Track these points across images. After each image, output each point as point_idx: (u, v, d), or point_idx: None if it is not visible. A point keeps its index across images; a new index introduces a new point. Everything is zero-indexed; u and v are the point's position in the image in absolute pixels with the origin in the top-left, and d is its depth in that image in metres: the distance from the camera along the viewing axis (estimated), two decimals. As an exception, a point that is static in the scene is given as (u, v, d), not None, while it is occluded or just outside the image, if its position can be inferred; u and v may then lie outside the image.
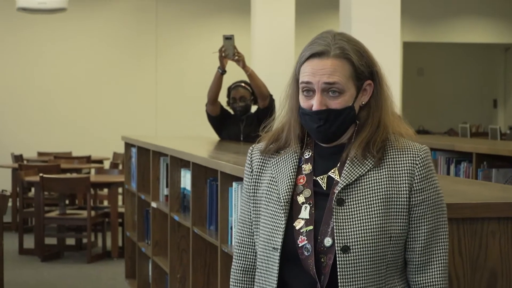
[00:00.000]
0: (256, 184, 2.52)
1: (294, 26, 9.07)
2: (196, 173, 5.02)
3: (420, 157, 2.37)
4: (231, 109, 6.97)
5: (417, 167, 2.36)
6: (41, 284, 8.03)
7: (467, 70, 17.92)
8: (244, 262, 2.57)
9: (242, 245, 2.57)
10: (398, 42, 6.78)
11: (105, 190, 10.72)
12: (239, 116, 6.91)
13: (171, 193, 5.64)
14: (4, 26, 13.61)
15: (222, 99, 6.97)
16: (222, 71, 6.69)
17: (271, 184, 2.46)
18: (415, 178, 2.35)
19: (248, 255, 2.55)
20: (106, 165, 11.99)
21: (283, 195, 2.40)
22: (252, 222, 2.51)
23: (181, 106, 14.00)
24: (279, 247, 2.36)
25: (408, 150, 2.38)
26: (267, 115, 6.83)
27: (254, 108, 7.01)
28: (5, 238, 9.00)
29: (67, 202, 10.29)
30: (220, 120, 6.96)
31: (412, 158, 2.36)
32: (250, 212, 2.52)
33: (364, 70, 2.35)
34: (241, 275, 2.57)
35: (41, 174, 8.93)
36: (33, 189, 9.84)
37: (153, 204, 6.21)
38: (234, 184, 4.20)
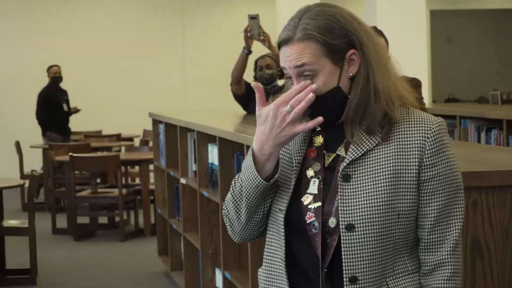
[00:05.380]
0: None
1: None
2: (223, 148, 5.02)
3: (432, 130, 2.23)
4: (258, 80, 6.94)
5: (428, 140, 2.23)
6: (74, 263, 8.09)
7: (496, 37, 17.74)
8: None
9: None
10: (423, 11, 6.71)
11: (136, 168, 10.76)
12: (266, 89, 6.89)
13: (199, 169, 5.64)
14: (35, 6, 13.68)
15: (248, 77, 6.96)
16: (247, 51, 6.66)
17: (286, 150, 2.35)
18: (426, 152, 2.23)
19: None
20: (136, 142, 12.03)
21: (295, 158, 2.30)
22: None
23: (209, 81, 14.01)
24: (284, 209, 2.28)
25: (420, 122, 2.25)
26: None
27: (280, 83, 6.99)
28: (38, 218, 9.12)
29: (98, 180, 10.35)
30: (246, 98, 6.96)
31: (423, 131, 2.23)
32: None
33: (337, 42, 2.21)
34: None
35: (71, 153, 8.97)
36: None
37: (182, 180, 6.22)
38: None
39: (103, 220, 9.98)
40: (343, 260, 2.21)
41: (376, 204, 2.20)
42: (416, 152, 2.23)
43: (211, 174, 5.54)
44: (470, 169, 2.90)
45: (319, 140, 2.33)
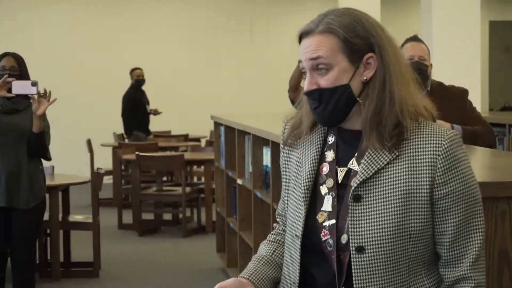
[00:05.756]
0: (288, 159, 2.39)
1: (379, 6, 9.21)
2: (276, 151, 5.16)
3: (443, 146, 2.15)
4: None
5: (439, 158, 2.15)
6: (137, 257, 8.37)
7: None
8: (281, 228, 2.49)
9: (281, 215, 2.50)
10: (478, 22, 6.85)
11: (202, 167, 11.04)
12: None
13: (254, 171, 5.87)
14: (105, 8, 14.11)
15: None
16: None
17: (298, 165, 2.33)
18: (438, 170, 2.15)
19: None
20: (203, 143, 12.31)
21: (304, 182, 2.27)
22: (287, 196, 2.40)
23: (275, 84, 14.27)
24: (300, 235, 2.25)
25: (431, 137, 2.17)
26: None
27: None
28: (106, 213, 9.48)
29: (165, 179, 10.64)
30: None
31: (434, 148, 2.16)
32: (285, 187, 2.41)
33: (357, 42, 2.17)
34: (275, 237, 2.49)
35: (137, 152, 9.31)
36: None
37: (239, 181, 6.45)
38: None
39: (167, 216, 10.28)
40: (354, 281, 2.17)
41: (386, 226, 2.15)
42: (428, 170, 2.16)
43: (265, 176, 5.76)
44: (499, 179, 2.88)
45: (331, 155, 2.28)
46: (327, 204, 2.23)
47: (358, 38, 2.18)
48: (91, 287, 7.24)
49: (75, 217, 7.83)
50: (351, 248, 2.16)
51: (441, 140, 2.16)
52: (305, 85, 2.23)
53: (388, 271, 2.16)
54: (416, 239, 2.17)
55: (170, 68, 14.36)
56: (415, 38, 4.88)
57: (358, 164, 2.21)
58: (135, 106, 12.20)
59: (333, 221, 2.21)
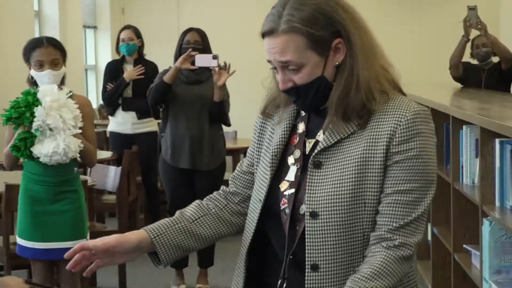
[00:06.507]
0: (263, 126, 2.39)
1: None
2: (435, 119, 5.56)
3: (406, 118, 2.10)
4: (474, 57, 7.69)
5: (399, 128, 2.11)
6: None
7: None
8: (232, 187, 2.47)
9: (236, 176, 2.47)
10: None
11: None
12: (480, 66, 7.64)
13: None
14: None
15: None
16: (466, 39, 7.45)
17: (270, 134, 2.34)
18: (395, 140, 2.10)
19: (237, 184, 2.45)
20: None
21: (273, 150, 2.27)
22: (253, 161, 2.39)
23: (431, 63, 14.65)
24: (262, 200, 2.25)
25: (396, 110, 2.13)
26: (509, 76, 7.57)
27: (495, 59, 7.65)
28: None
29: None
30: (464, 78, 7.73)
31: (397, 119, 2.11)
32: (254, 153, 2.39)
33: (322, 34, 2.11)
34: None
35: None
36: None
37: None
38: (464, 127, 4.67)
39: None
40: (306, 247, 2.14)
41: (341, 192, 2.12)
42: (386, 139, 2.12)
43: None
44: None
45: (302, 127, 2.27)
46: (291, 174, 2.24)
47: (322, 30, 2.12)
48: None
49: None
50: (306, 214, 2.14)
51: (405, 112, 2.12)
52: (280, 82, 2.19)
53: (341, 238, 2.12)
54: (371, 208, 2.12)
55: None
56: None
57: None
58: None
59: (293, 190, 2.20)
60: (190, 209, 2.39)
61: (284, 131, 2.28)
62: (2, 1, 8.75)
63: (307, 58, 2.13)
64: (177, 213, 2.38)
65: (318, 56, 2.14)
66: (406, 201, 2.10)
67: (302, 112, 2.28)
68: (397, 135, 2.10)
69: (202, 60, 5.98)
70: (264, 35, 2.16)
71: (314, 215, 2.13)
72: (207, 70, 6.04)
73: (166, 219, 2.34)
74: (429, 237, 5.98)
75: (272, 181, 2.25)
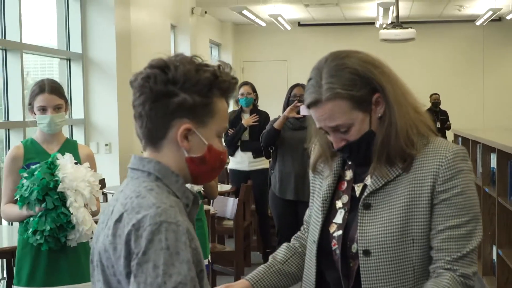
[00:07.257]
0: (314, 180, 2.51)
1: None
2: (500, 156, 6.24)
3: (447, 158, 2.18)
4: None
5: (442, 168, 2.18)
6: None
7: None
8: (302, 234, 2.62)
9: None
10: None
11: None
12: None
13: (483, 171, 6.91)
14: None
15: None
16: None
17: (320, 183, 2.45)
18: (439, 179, 2.17)
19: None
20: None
21: (323, 195, 2.37)
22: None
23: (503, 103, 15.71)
24: (316, 241, 2.34)
25: (437, 152, 2.21)
26: None
27: None
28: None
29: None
30: None
31: (438, 160, 2.19)
32: (311, 198, 2.52)
33: (362, 93, 2.19)
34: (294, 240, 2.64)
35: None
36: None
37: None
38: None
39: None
40: (362, 283, 2.22)
41: (391, 230, 2.17)
42: (431, 180, 2.18)
43: (492, 175, 6.69)
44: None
45: (349, 173, 2.36)
46: (339, 217, 2.32)
47: (361, 89, 2.19)
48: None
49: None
50: (359, 252, 2.22)
51: (446, 153, 2.20)
52: (333, 143, 2.28)
53: (394, 274, 2.18)
54: (420, 244, 2.18)
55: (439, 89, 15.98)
56: None
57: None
58: None
59: (340, 232, 2.29)
60: (281, 252, 2.58)
61: (333, 178, 2.38)
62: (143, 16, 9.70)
63: (354, 118, 2.21)
64: (270, 258, 2.58)
65: (363, 113, 2.21)
66: (459, 235, 2.16)
67: (349, 160, 2.36)
68: (440, 175, 2.17)
69: (306, 110, 6.89)
70: (309, 106, 2.24)
71: (366, 252, 2.20)
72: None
73: (262, 265, 2.53)
74: (494, 257, 6.52)
75: (323, 223, 2.36)
